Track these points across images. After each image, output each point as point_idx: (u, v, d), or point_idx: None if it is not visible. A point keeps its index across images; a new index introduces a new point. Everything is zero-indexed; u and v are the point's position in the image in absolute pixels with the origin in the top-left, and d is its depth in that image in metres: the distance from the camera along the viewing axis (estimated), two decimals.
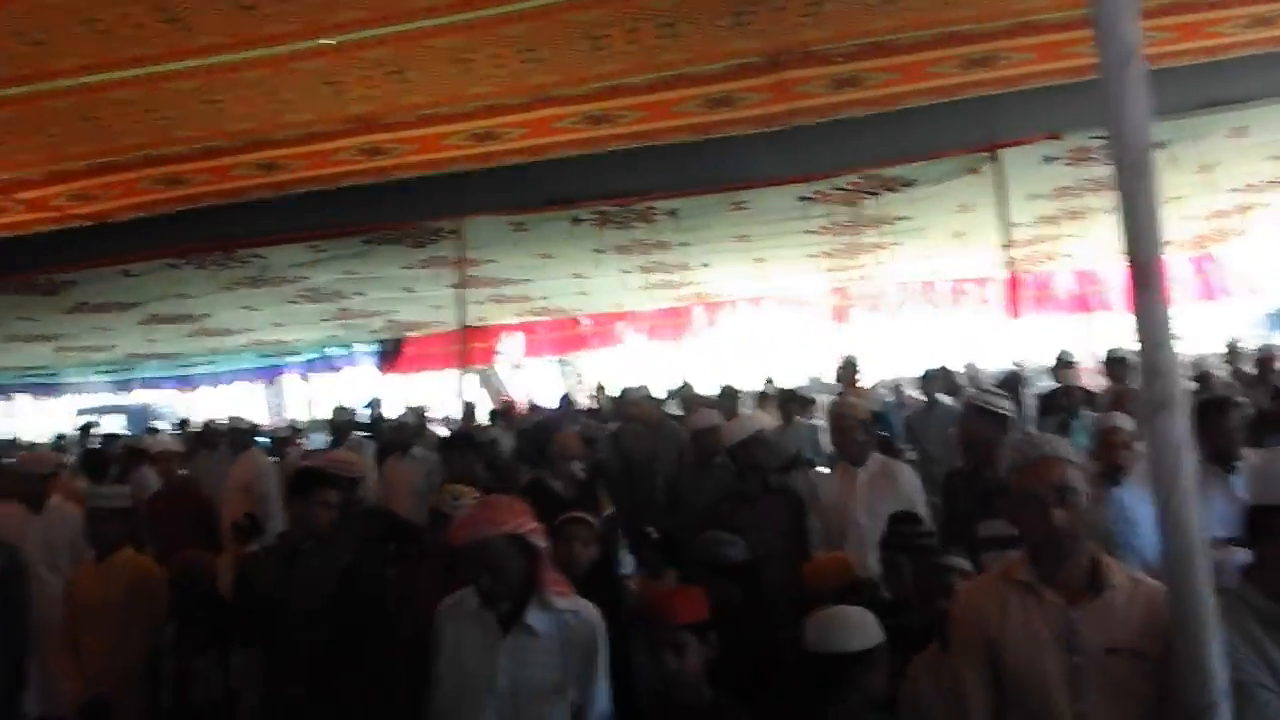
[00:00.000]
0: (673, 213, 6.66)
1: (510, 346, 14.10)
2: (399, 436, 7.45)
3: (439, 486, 4.90)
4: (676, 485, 6.26)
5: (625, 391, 8.42)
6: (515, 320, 13.36)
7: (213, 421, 10.26)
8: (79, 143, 4.60)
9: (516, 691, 2.81)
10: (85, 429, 14.84)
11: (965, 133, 5.37)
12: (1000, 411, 4.53)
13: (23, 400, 17.29)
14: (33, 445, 12.73)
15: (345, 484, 5.36)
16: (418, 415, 8.16)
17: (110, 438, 13.24)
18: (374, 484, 7.03)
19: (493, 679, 2.82)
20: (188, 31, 3.60)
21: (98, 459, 8.58)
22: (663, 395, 9.86)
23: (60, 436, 15.50)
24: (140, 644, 4.41)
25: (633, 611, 3.90)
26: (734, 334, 13.74)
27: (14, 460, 7.50)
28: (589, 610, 2.92)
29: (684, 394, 9.03)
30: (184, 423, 15.31)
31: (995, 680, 2.42)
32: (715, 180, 6.02)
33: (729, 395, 8.40)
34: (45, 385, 16.22)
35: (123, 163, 4.97)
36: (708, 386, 9.47)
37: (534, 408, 9.53)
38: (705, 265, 9.34)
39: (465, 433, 6.40)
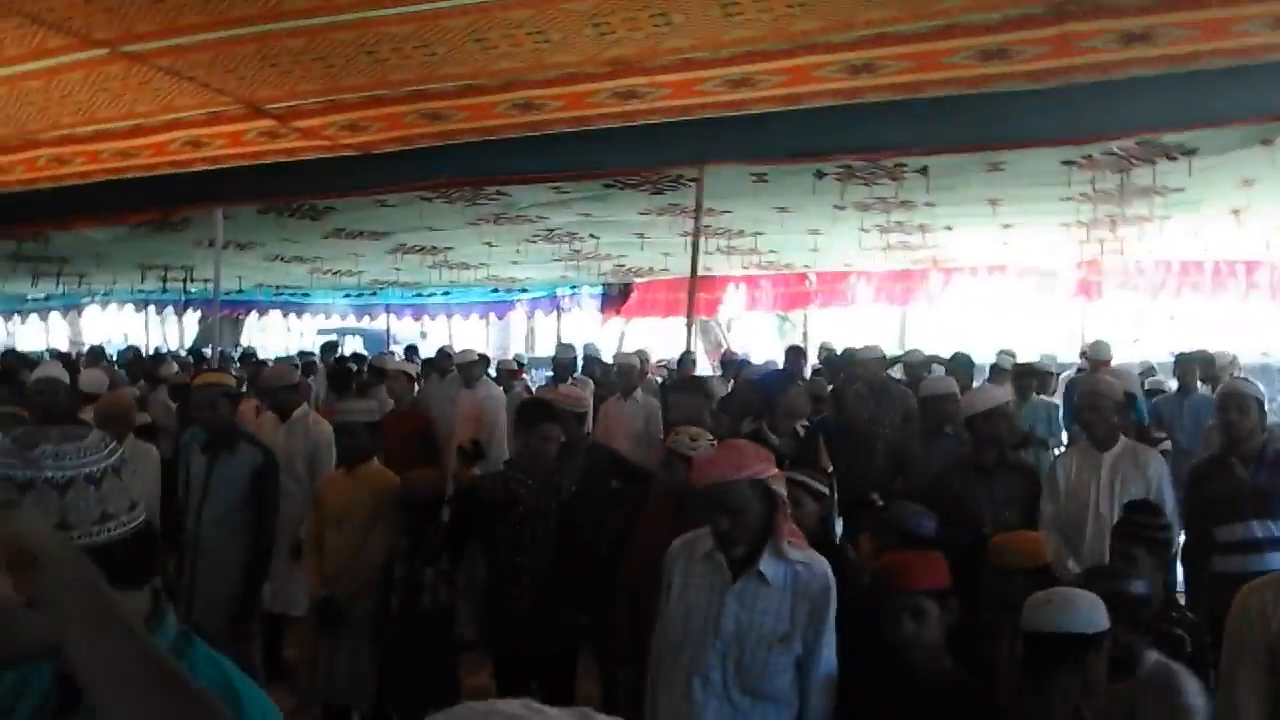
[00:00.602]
0: (923, 170, 6.40)
1: (734, 298, 14.08)
2: (622, 379, 7.55)
3: (669, 428, 4.93)
4: (901, 451, 6.08)
5: (853, 351, 8.22)
6: (741, 272, 13.31)
7: (448, 348, 10.74)
8: (355, 75, 4.81)
9: (741, 637, 2.81)
10: (327, 347, 15.87)
11: (1264, 99, 4.87)
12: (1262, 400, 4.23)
13: (274, 316, 18.55)
14: (278, 358, 13.73)
15: (571, 419, 5.51)
16: (641, 359, 8.23)
17: (353, 357, 14.13)
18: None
19: (719, 623, 2.82)
20: None
21: (343, 375, 9.13)
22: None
23: (304, 353, 16.67)
24: (378, 551, 4.69)
25: (861, 574, 3.83)
26: (968, 301, 13.19)
27: (266, 372, 8.13)
28: (820, 563, 2.88)
29: (911, 359, 8.72)
30: (414, 349, 16.11)
31: (1272, 689, 2.26)
32: (975, 139, 5.73)
33: (965, 364, 8.05)
34: (296, 304, 17.39)
35: (391, 96, 5.16)
36: (935, 353, 9.14)
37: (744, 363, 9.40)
38: (948, 228, 8.98)
39: (696, 378, 6.40)
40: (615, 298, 15.19)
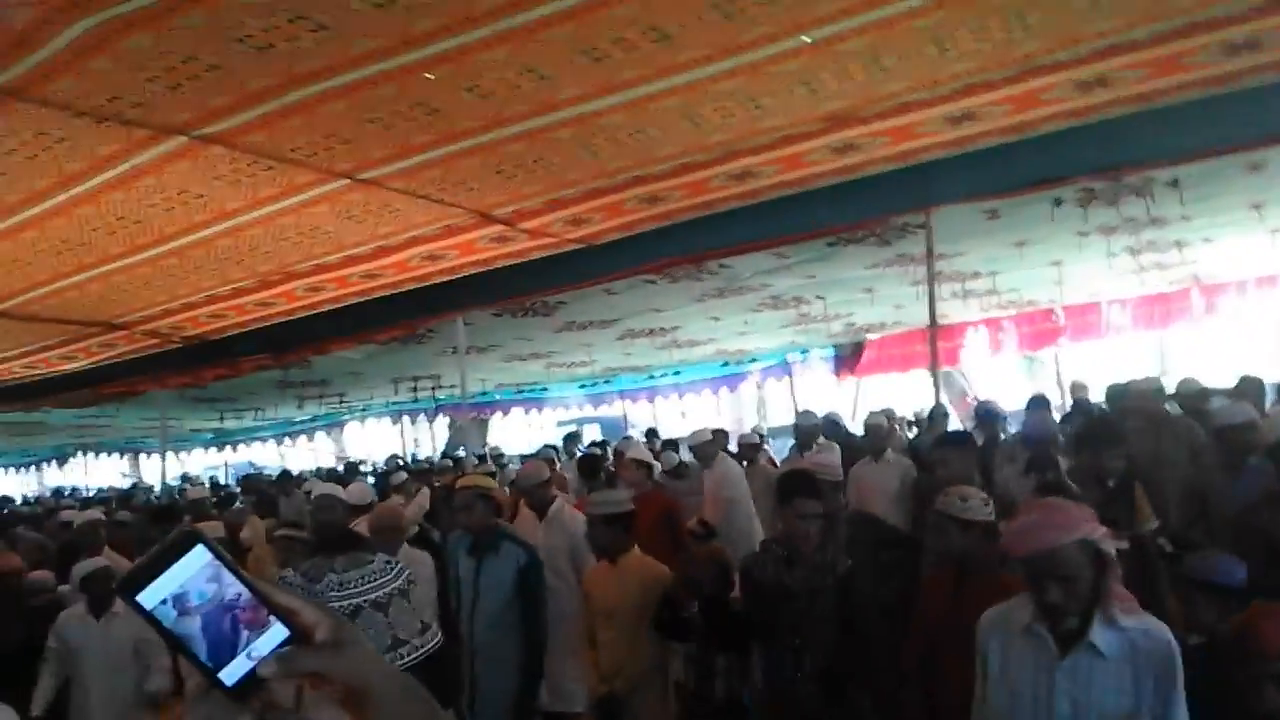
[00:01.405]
0: (1173, 183, 5.90)
1: (975, 343, 13.46)
2: (871, 440, 7.28)
3: (931, 488, 4.65)
4: (1198, 490, 5.50)
5: (1128, 385, 7.59)
6: (980, 315, 12.74)
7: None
8: (575, 170, 4.92)
9: (1079, 718, 2.51)
10: (570, 438, 16.25)
11: None
12: None
13: (516, 413, 19.19)
14: (525, 456, 14.13)
15: (828, 489, 5.30)
16: (887, 418, 7.92)
17: (599, 444, 14.41)
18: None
19: (1050, 704, 2.53)
20: (673, 48, 3.67)
21: (590, 464, 9.25)
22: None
23: (547, 446, 17.13)
24: (653, 643, 4.62)
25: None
26: (1235, 320, 12.05)
27: (520, 471, 8.34)
28: (1159, 629, 2.54)
29: (1186, 389, 7.96)
30: (653, 432, 16.25)
31: None
32: (1229, 140, 5.23)
33: (1257, 388, 7.25)
34: (536, 399, 17.96)
35: (610, 186, 5.24)
36: (1209, 380, 8.31)
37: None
38: (1207, 240, 8.25)
39: (960, 433, 6.06)
40: (848, 358, 14.86)
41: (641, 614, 4.56)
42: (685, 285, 8.15)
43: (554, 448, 15.58)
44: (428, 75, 3.61)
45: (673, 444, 12.29)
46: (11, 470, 23.97)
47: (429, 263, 6.39)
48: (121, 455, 23.06)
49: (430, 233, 5.73)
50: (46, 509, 12.63)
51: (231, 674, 0.84)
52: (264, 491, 12.84)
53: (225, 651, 0.84)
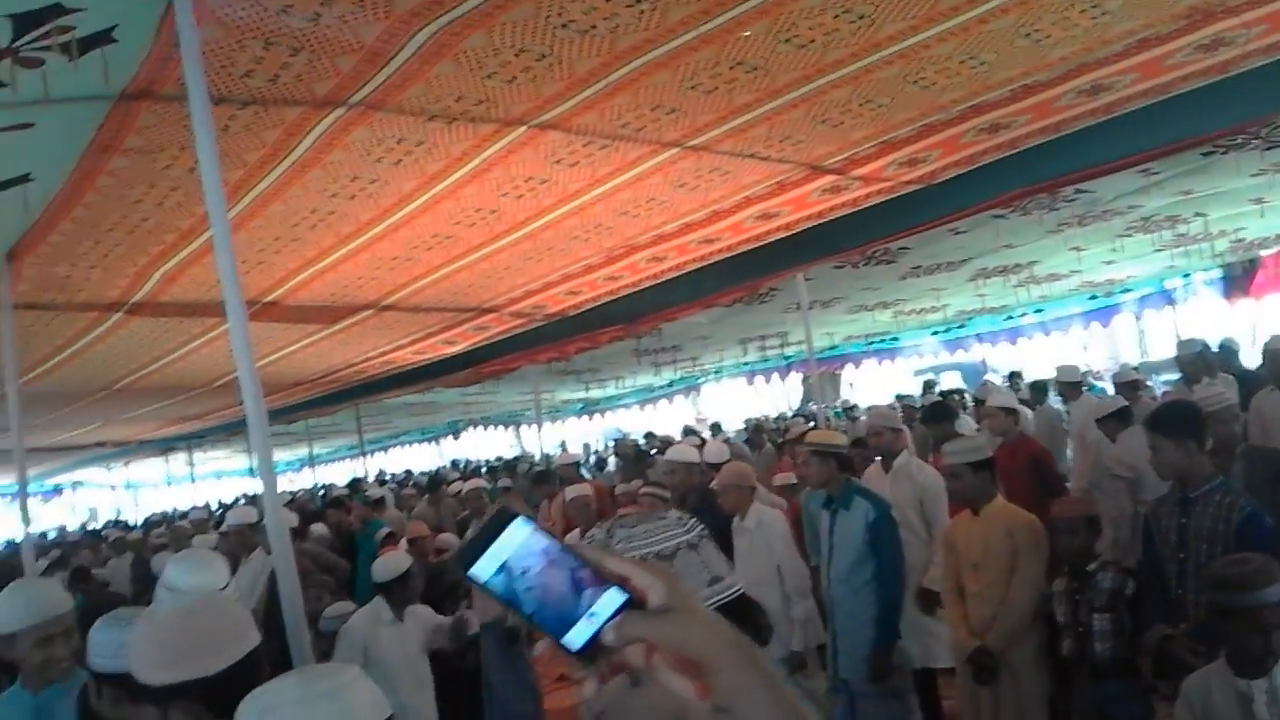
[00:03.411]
0: None
1: None
2: (1272, 369, 6.46)
3: None
4: None
5: None
6: None
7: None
8: (905, 109, 4.69)
9: None
10: (927, 386, 15.78)
11: None
12: None
13: (868, 365, 18.87)
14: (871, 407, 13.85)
15: (1219, 423, 4.78)
16: None
17: (950, 393, 13.88)
18: None
19: None
20: None
21: (938, 412, 8.92)
22: None
23: (901, 395, 16.74)
24: (1024, 594, 4.39)
25: None
26: None
27: (866, 420, 8.23)
28: None
29: None
30: (1016, 375, 15.41)
31: None
32: None
33: None
34: (888, 350, 17.57)
35: (945, 120, 4.96)
36: None
37: None
38: None
39: None
40: (1239, 278, 13.24)
41: (1010, 564, 4.34)
42: (1038, 217, 7.59)
43: (909, 397, 15.21)
44: (744, 33, 3.58)
45: (1041, 386, 11.61)
46: (415, 445, 26.95)
47: (763, 222, 6.38)
48: (504, 427, 25.21)
49: (762, 191, 5.71)
50: (434, 480, 14.17)
51: (576, 639, 0.85)
52: (628, 455, 13.58)
53: (564, 617, 0.86)
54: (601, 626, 0.85)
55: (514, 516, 0.89)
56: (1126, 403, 6.95)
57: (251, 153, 3.98)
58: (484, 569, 0.87)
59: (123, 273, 5.56)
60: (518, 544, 0.88)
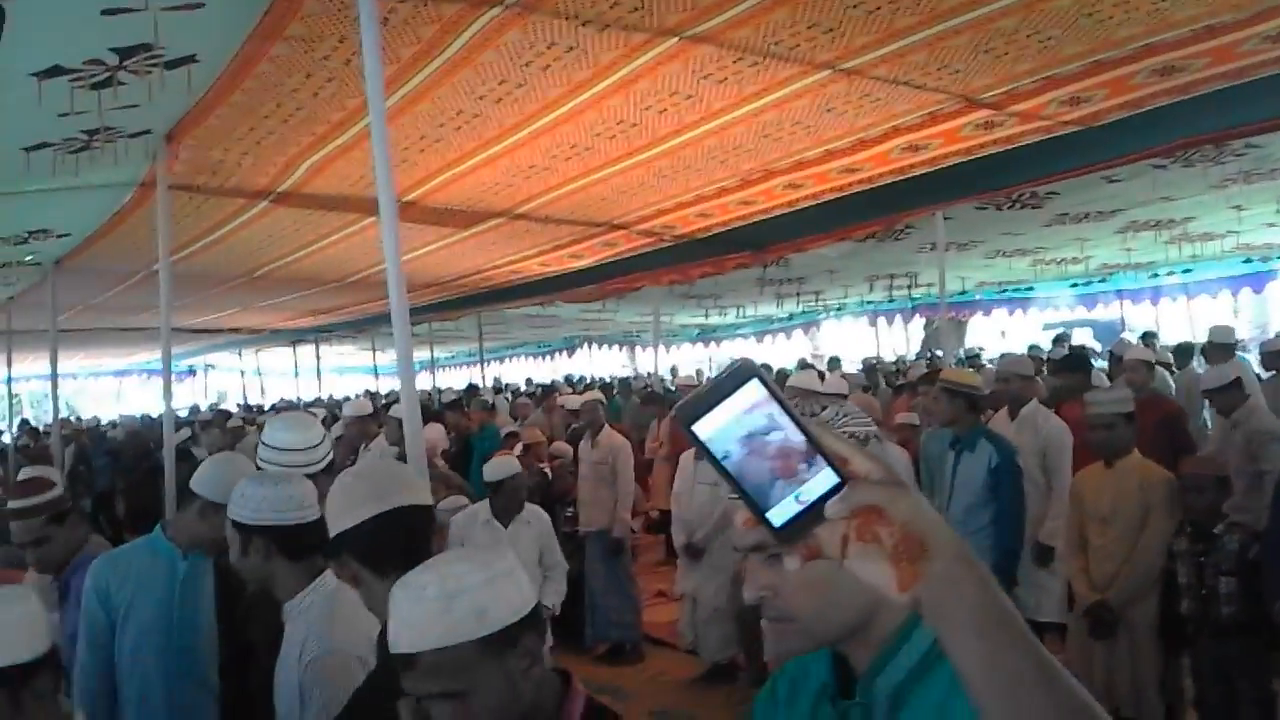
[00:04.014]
0: None
1: None
2: None
3: None
4: None
5: None
6: None
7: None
8: (1074, 43, 4.45)
9: None
10: (1059, 339, 15.25)
11: None
12: None
13: (998, 315, 18.31)
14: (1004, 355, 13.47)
15: None
16: None
17: (1081, 348, 13.40)
18: None
19: None
20: None
21: (1078, 361, 8.62)
22: None
23: (1033, 346, 16.21)
24: (1153, 551, 4.28)
25: None
26: None
27: (1002, 361, 8.05)
28: None
29: None
30: (1151, 335, 14.78)
31: None
32: None
33: None
34: (1020, 299, 16.99)
35: (1118, 58, 4.69)
36: None
37: None
38: None
39: None
40: None
41: (1140, 520, 4.23)
42: (1202, 170, 7.18)
43: (1038, 349, 14.75)
44: None
45: (1186, 349, 11.11)
46: (531, 358, 27.39)
47: (909, 154, 6.18)
48: (620, 348, 25.40)
49: (911, 121, 5.52)
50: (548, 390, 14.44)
51: (780, 515, 0.83)
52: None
53: (770, 490, 0.84)
54: (811, 506, 0.83)
55: (752, 375, 0.85)
56: (1238, 375, 6.53)
57: (406, 48, 4.00)
58: (706, 425, 0.84)
59: (272, 161, 5.70)
60: (747, 406, 0.84)
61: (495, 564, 1.74)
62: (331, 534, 2.23)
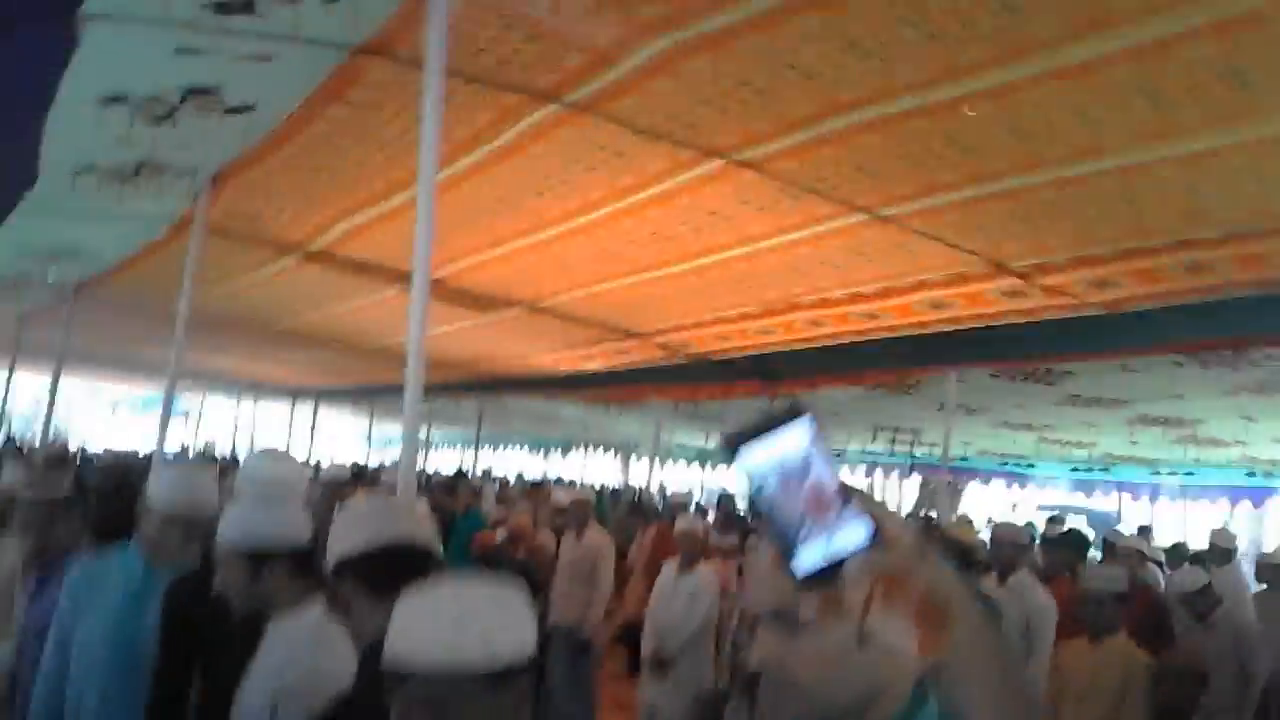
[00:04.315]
0: None
1: None
2: None
3: None
4: None
5: None
6: None
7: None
8: (1109, 225, 4.51)
9: None
10: (1054, 519, 15.10)
11: None
12: None
13: (995, 485, 18.25)
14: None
15: None
16: None
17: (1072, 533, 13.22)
18: None
19: None
20: (1252, 95, 3.23)
21: (1076, 539, 8.52)
22: None
23: (1029, 524, 16.03)
24: None
25: None
26: None
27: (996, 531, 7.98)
28: None
29: None
30: (1146, 530, 14.63)
31: None
32: None
33: None
34: (1020, 474, 16.93)
35: (1148, 247, 4.74)
36: None
37: None
38: None
39: None
40: None
41: (1117, 701, 4.17)
42: (1218, 373, 7.21)
43: (1031, 526, 14.59)
44: (968, 111, 3.50)
45: (1182, 551, 10.94)
46: (524, 451, 27.19)
47: (932, 310, 6.23)
48: (616, 454, 25.22)
49: (939, 278, 5.58)
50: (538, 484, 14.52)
51: (806, 561, 0.83)
52: (730, 513, 13.41)
53: (799, 531, 0.83)
54: (839, 557, 0.82)
55: (803, 414, 0.87)
56: (1209, 580, 6.42)
57: (461, 129, 4.09)
58: (749, 455, 0.84)
59: (310, 219, 5.79)
60: (793, 445, 0.85)
61: (510, 600, 1.70)
62: (341, 554, 2.26)
